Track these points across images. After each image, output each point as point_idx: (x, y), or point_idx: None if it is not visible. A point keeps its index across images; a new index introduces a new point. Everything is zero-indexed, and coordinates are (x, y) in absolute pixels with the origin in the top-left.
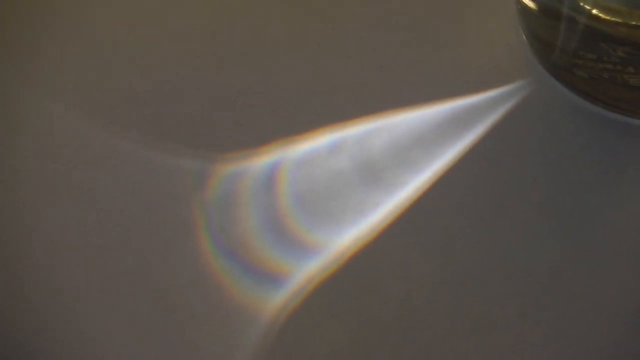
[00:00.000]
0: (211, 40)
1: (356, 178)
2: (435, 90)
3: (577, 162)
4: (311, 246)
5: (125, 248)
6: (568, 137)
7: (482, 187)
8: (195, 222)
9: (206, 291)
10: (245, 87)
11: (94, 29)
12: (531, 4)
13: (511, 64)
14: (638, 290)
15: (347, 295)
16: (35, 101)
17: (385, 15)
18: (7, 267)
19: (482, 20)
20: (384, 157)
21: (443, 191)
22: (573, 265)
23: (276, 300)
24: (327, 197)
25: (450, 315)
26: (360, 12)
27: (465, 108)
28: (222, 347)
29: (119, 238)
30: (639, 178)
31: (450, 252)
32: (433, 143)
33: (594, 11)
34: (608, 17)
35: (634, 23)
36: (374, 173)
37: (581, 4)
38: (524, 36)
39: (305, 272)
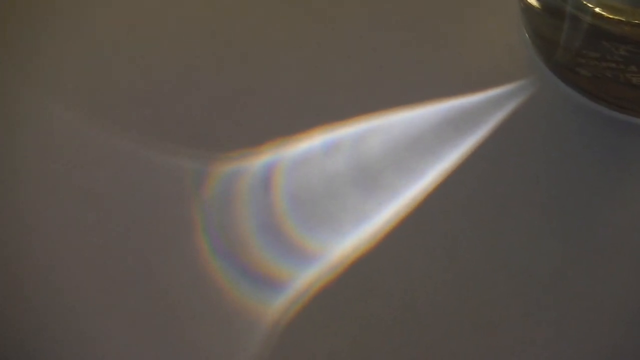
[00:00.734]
0: (211, 40)
1: (357, 178)
2: (437, 90)
3: (580, 161)
4: (311, 246)
5: (125, 248)
6: (571, 136)
7: (485, 187)
8: (194, 222)
9: (206, 291)
10: (245, 87)
11: (94, 29)
12: (534, 3)
13: (513, 63)
14: None
15: (348, 297)
16: (35, 101)
17: (385, 15)
18: (7, 267)
19: (484, 20)
20: (385, 156)
21: (445, 191)
22: (575, 265)
23: (275, 302)
24: (327, 197)
25: (452, 315)
26: (360, 12)
27: (467, 108)
28: (222, 347)
29: (119, 238)
30: None
31: (452, 252)
32: (434, 143)
33: (598, 9)
34: (611, 16)
35: (637, 21)
36: (374, 173)
37: (585, 2)
38: (526, 35)
39: (304, 274)
